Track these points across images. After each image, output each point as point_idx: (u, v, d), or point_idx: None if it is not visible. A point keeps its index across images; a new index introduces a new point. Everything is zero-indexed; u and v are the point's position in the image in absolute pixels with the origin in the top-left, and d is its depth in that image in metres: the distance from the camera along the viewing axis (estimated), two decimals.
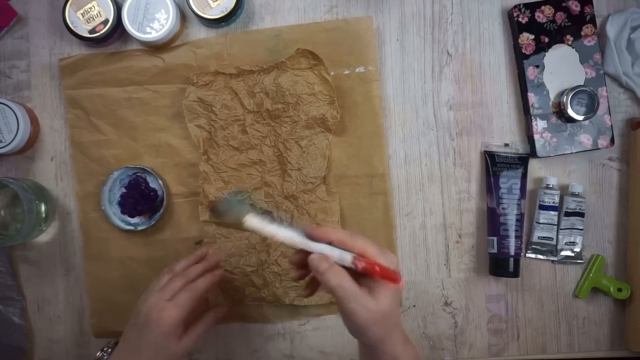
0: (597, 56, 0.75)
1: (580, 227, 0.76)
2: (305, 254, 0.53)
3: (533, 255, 0.77)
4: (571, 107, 0.73)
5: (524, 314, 0.78)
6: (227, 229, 0.75)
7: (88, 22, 0.73)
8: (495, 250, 0.75)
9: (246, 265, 0.74)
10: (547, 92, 0.75)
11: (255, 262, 0.75)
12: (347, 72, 0.75)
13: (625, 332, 0.77)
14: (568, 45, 0.75)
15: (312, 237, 0.53)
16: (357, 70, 0.75)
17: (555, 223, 0.76)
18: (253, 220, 0.54)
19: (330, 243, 0.52)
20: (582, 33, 0.75)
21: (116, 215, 0.75)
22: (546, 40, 0.75)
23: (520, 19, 0.75)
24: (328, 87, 0.73)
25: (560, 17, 0.75)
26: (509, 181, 0.75)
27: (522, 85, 0.77)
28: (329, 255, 0.52)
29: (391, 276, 0.51)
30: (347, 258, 0.51)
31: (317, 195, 0.74)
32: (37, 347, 0.77)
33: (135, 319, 0.61)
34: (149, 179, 0.76)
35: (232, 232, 0.75)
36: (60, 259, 0.77)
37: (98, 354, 0.66)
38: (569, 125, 0.75)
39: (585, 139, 0.75)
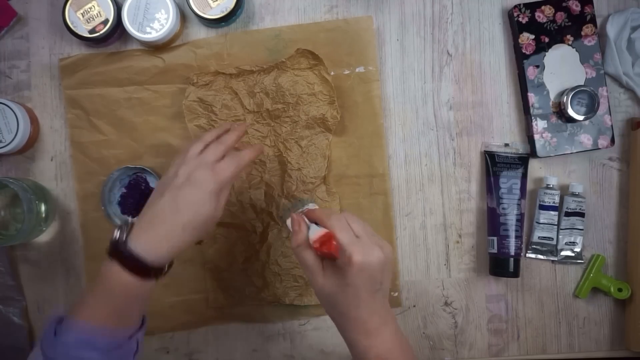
0: (598, 56, 0.75)
1: (581, 227, 0.76)
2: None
3: (533, 255, 0.77)
4: (571, 107, 0.73)
5: (524, 314, 0.78)
6: (227, 229, 0.75)
7: (88, 22, 0.73)
8: (495, 250, 0.75)
9: (247, 266, 0.75)
10: (547, 92, 0.75)
11: (256, 262, 0.75)
12: (347, 72, 0.75)
13: (625, 332, 0.77)
14: (568, 45, 0.75)
15: (306, 215, 0.59)
16: (357, 70, 0.75)
17: (556, 223, 0.76)
18: (288, 222, 0.60)
19: (316, 223, 0.57)
20: (583, 33, 0.75)
21: (116, 215, 0.75)
22: (546, 40, 0.75)
23: (520, 19, 0.75)
24: (328, 87, 0.73)
25: (560, 17, 0.75)
26: (509, 181, 0.75)
27: (522, 85, 0.77)
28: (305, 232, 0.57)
29: (327, 251, 0.54)
30: (310, 237, 0.56)
31: (317, 195, 0.74)
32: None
33: (170, 181, 0.57)
34: (149, 179, 0.76)
35: (232, 232, 0.75)
36: (60, 259, 0.77)
37: (115, 234, 0.55)
38: (569, 125, 0.75)
39: (586, 139, 0.75)
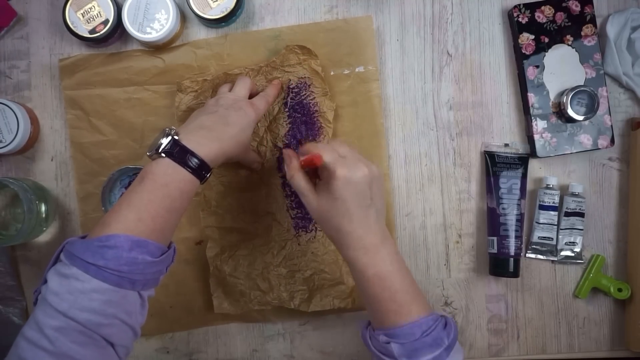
0: (597, 56, 0.75)
1: (580, 227, 0.76)
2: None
3: (533, 255, 0.77)
4: (571, 107, 0.73)
5: (524, 314, 0.78)
6: (231, 233, 0.74)
7: (88, 22, 0.73)
8: (495, 250, 0.75)
9: (251, 269, 0.74)
10: (547, 92, 0.75)
11: (260, 265, 0.74)
12: (347, 72, 0.75)
13: (625, 333, 0.77)
14: (568, 45, 0.75)
15: (300, 150, 0.63)
16: (357, 70, 0.76)
17: (555, 223, 0.76)
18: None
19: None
20: (582, 33, 0.75)
21: None
22: (546, 40, 0.75)
23: (520, 19, 0.75)
24: (319, 79, 0.73)
25: (560, 17, 0.75)
26: (509, 181, 0.75)
27: (522, 85, 0.77)
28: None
29: (312, 160, 0.57)
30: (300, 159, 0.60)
31: None
32: None
33: (213, 107, 0.64)
34: None
35: (235, 235, 0.74)
36: None
37: (164, 139, 0.56)
38: (569, 125, 0.75)
39: (585, 139, 0.75)
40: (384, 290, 0.57)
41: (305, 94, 0.73)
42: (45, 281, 0.51)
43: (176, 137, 0.57)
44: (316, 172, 0.62)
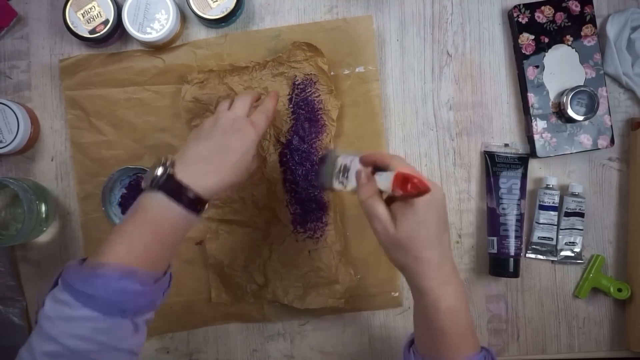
0: (597, 56, 0.75)
1: (580, 227, 0.76)
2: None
3: (533, 256, 0.77)
4: (571, 107, 0.73)
5: (524, 314, 0.78)
6: (230, 226, 0.75)
7: (88, 23, 0.73)
8: (495, 251, 0.75)
9: (248, 262, 0.75)
10: (547, 92, 0.75)
11: (257, 259, 0.75)
12: (347, 72, 0.76)
13: (625, 332, 0.77)
14: (568, 45, 0.75)
15: (362, 162, 0.58)
16: (357, 70, 0.76)
17: (555, 223, 0.76)
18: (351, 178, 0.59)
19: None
20: (582, 33, 0.75)
21: (117, 216, 0.75)
22: (546, 40, 0.75)
23: (520, 19, 0.75)
24: (325, 77, 0.73)
25: (560, 17, 0.75)
26: (509, 181, 0.75)
27: (522, 86, 0.77)
28: (371, 177, 0.56)
29: (416, 185, 0.50)
30: (384, 183, 0.54)
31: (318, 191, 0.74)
32: None
33: (211, 130, 0.60)
34: None
35: (235, 228, 0.75)
36: (61, 259, 0.77)
37: (159, 170, 0.54)
38: (568, 125, 0.75)
39: (585, 139, 0.75)
40: (453, 324, 0.54)
41: (310, 91, 0.73)
42: (44, 304, 0.52)
43: (170, 171, 0.55)
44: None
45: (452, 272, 0.55)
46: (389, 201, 0.55)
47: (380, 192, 0.55)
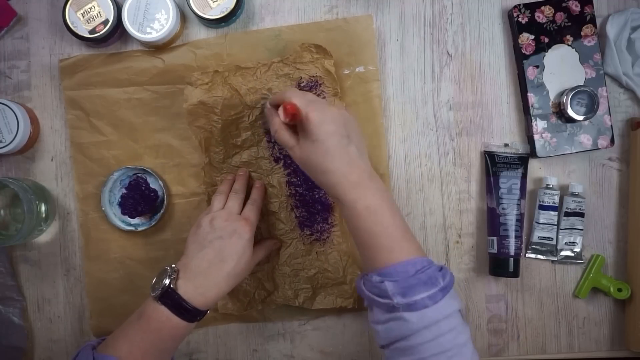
0: (597, 56, 0.75)
1: (580, 227, 0.76)
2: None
3: (533, 255, 0.77)
4: (571, 107, 0.73)
5: (524, 314, 0.78)
6: None
7: (88, 23, 0.73)
8: (495, 250, 0.75)
9: (257, 268, 0.74)
10: (547, 92, 0.75)
11: (266, 265, 0.75)
12: (347, 72, 0.76)
13: (625, 332, 0.77)
14: (568, 45, 0.75)
15: (270, 103, 0.66)
16: (357, 70, 0.76)
17: (555, 223, 0.76)
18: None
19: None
20: (582, 33, 0.75)
21: (116, 215, 0.75)
22: (546, 40, 0.75)
23: (520, 19, 0.75)
24: (331, 79, 0.73)
25: (560, 17, 0.75)
26: (508, 181, 0.75)
27: (522, 86, 0.77)
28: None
29: (287, 110, 0.58)
30: (279, 114, 0.61)
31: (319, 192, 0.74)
32: (37, 347, 0.77)
33: (208, 235, 0.64)
34: (150, 180, 0.76)
35: None
36: (61, 259, 0.77)
37: (164, 281, 0.60)
38: (568, 125, 0.75)
39: (585, 139, 0.75)
40: (375, 224, 0.57)
41: (315, 93, 0.73)
42: None
43: (174, 286, 0.60)
44: (296, 130, 0.63)
45: (367, 178, 0.59)
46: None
47: (287, 124, 0.62)
